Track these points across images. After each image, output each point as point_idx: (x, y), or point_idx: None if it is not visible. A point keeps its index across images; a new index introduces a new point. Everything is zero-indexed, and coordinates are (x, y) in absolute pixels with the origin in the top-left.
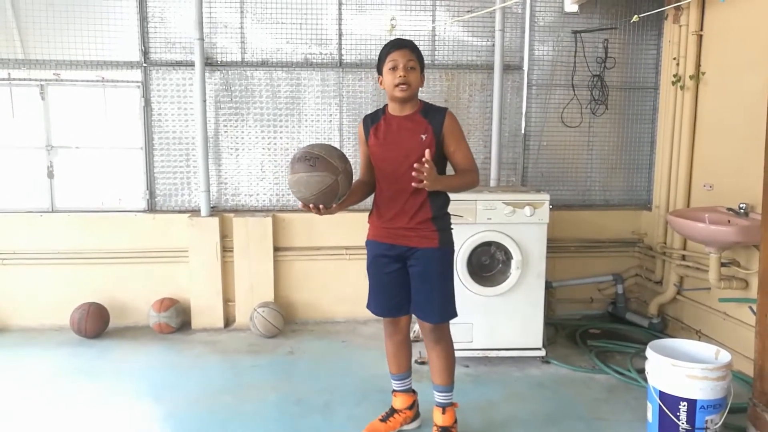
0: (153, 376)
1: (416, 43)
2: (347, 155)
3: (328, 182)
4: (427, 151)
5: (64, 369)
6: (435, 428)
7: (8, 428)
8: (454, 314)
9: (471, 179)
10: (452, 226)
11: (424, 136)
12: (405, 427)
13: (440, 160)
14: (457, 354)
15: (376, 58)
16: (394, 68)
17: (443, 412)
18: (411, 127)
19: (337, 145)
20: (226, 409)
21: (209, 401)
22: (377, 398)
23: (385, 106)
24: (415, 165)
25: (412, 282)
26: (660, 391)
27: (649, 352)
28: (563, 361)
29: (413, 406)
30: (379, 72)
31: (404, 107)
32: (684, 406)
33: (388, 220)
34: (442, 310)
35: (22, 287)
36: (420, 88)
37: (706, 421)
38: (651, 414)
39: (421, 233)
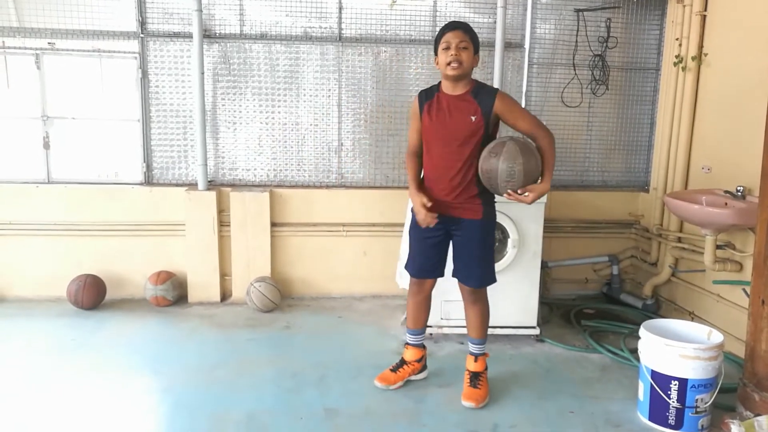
0: (149, 349)
1: (417, 19)
2: (346, 131)
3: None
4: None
5: (61, 340)
6: (467, 373)
7: (4, 398)
8: (493, 280)
9: (548, 142)
10: (495, 199)
11: (473, 117)
12: (413, 377)
13: (487, 140)
14: (452, 331)
15: (377, 32)
16: (447, 48)
17: (475, 360)
18: (462, 107)
19: (335, 120)
20: (222, 383)
21: (205, 374)
22: (372, 373)
23: (439, 83)
24: (516, 196)
25: (454, 250)
26: (652, 370)
27: (642, 331)
28: (557, 340)
29: (422, 359)
30: (435, 53)
31: (456, 86)
32: (675, 385)
33: (436, 193)
34: (483, 276)
35: (18, 258)
36: (474, 68)
37: (697, 399)
38: (642, 392)
39: (467, 206)
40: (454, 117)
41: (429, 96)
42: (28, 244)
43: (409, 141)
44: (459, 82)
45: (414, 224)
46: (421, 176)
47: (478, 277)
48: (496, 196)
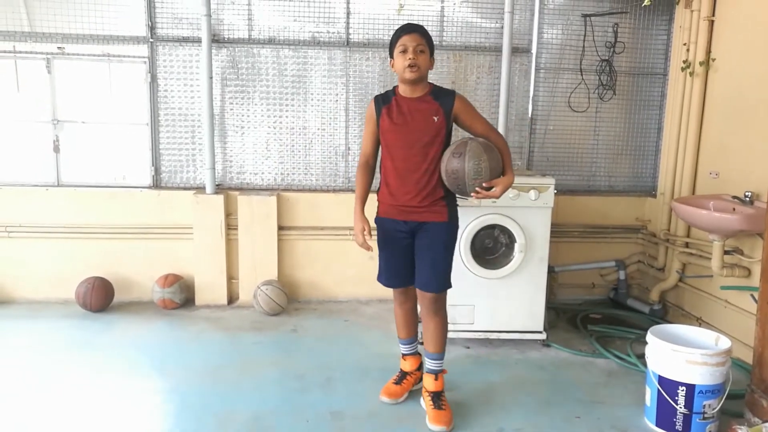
0: (156, 351)
1: (424, 23)
2: (353, 135)
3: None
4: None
5: (69, 342)
6: (427, 393)
7: (12, 399)
8: (450, 285)
9: (503, 141)
10: (458, 203)
11: (436, 118)
12: (413, 388)
13: (447, 139)
14: (459, 335)
15: (384, 37)
16: (404, 51)
17: (435, 378)
18: (423, 109)
19: (342, 124)
20: (228, 384)
21: (211, 376)
22: (378, 376)
23: (395, 87)
24: (485, 193)
25: (417, 252)
26: (659, 375)
27: (649, 337)
28: (564, 345)
29: (420, 367)
30: (391, 55)
31: (415, 89)
32: (683, 390)
33: (400, 198)
34: (443, 280)
35: (27, 260)
36: (429, 70)
37: (704, 405)
38: (649, 398)
39: (432, 209)
40: (416, 119)
41: (386, 100)
42: (37, 246)
43: (363, 147)
44: (417, 85)
45: (385, 236)
46: (377, 186)
47: (439, 280)
48: (459, 199)
